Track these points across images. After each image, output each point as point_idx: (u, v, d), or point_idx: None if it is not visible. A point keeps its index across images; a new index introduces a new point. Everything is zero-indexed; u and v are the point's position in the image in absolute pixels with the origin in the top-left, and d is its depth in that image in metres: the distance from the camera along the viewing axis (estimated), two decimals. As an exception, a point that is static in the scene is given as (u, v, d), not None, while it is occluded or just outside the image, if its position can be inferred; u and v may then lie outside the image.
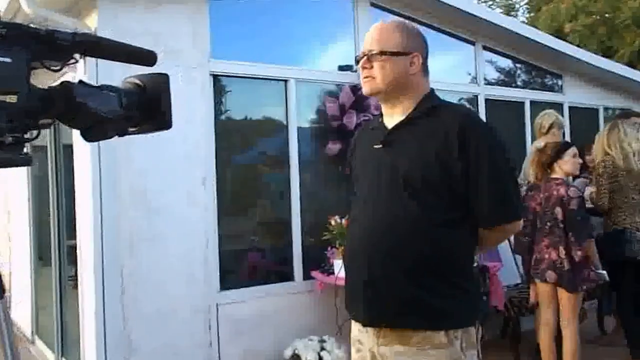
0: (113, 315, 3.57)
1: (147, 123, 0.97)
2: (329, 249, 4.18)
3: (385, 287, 1.77)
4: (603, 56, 8.26)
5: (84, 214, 3.74)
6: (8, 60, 0.75)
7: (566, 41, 7.82)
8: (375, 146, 1.89)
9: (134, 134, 0.98)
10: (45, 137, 4.70)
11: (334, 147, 4.45)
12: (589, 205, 4.18)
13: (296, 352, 3.92)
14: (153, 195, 3.72)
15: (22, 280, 5.75)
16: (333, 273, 4.02)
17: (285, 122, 4.40)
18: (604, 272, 3.78)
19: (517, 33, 5.66)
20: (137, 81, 0.96)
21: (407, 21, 2.04)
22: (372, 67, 1.84)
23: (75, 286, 4.01)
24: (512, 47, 5.89)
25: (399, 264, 1.75)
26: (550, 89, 6.52)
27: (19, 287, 6.01)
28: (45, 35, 0.81)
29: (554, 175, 3.77)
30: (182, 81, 3.82)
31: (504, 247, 4.82)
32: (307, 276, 4.33)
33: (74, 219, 3.92)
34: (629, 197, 4.13)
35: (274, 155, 4.52)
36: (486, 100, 5.63)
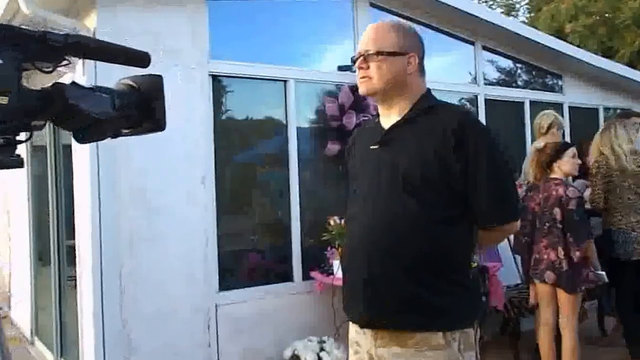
0: (112, 315, 3.57)
1: (141, 124, 0.96)
2: (328, 249, 4.18)
3: (384, 285, 1.77)
4: (603, 56, 8.26)
5: (82, 214, 3.74)
6: (-1, 61, 0.74)
7: (566, 41, 7.82)
8: (372, 147, 1.88)
9: (128, 135, 0.97)
10: (45, 137, 4.70)
11: (333, 147, 4.45)
12: (588, 206, 4.17)
13: (295, 352, 3.92)
14: (152, 194, 3.72)
15: (22, 281, 5.75)
16: (332, 273, 4.02)
17: (284, 122, 4.40)
18: (603, 272, 3.77)
19: (516, 33, 5.65)
20: (131, 82, 0.95)
21: (403, 21, 2.04)
22: (368, 67, 1.84)
23: (75, 286, 4.01)
24: (512, 47, 5.89)
25: (398, 261, 1.75)
26: (550, 89, 6.51)
27: (18, 288, 6.01)
28: (37, 36, 0.80)
29: (553, 176, 3.76)
30: (181, 80, 3.82)
31: (504, 248, 4.81)
32: (306, 276, 4.33)
33: (74, 219, 3.92)
34: (624, 198, 4.12)
35: (274, 156, 4.52)
36: (486, 100, 5.63)
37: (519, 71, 6.46)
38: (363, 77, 1.85)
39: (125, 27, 3.63)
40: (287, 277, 4.35)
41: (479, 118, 5.44)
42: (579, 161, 3.90)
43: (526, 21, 16.30)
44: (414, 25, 2.01)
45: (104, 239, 3.56)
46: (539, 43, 5.84)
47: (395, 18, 4.41)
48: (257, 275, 4.40)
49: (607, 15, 13.10)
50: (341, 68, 4.70)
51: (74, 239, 3.96)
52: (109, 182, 3.59)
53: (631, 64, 10.19)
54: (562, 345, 3.69)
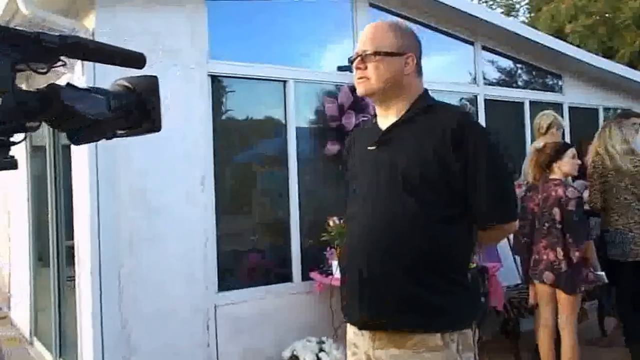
0: (111, 316, 3.57)
1: (137, 126, 0.96)
2: (327, 249, 4.18)
3: (384, 284, 1.76)
4: (603, 56, 8.26)
5: (82, 214, 3.73)
6: (-8, 62, 0.74)
7: (566, 41, 7.82)
8: (370, 147, 1.88)
9: (123, 136, 0.97)
10: (45, 137, 4.70)
11: (332, 147, 4.45)
12: (588, 207, 4.17)
13: (295, 353, 3.92)
14: (152, 195, 3.72)
15: (21, 281, 5.75)
16: (332, 274, 4.02)
17: (284, 123, 4.40)
18: (603, 273, 3.77)
19: (516, 33, 5.65)
20: (127, 83, 0.95)
21: (400, 21, 2.03)
22: (366, 67, 1.83)
23: (74, 287, 4.01)
24: (512, 47, 5.89)
25: (397, 261, 1.75)
26: (550, 89, 6.51)
27: (18, 288, 6.01)
28: (31, 37, 0.80)
29: (552, 176, 3.76)
30: (181, 81, 3.82)
31: (504, 248, 4.81)
32: (305, 277, 4.32)
33: (73, 219, 3.92)
34: (621, 198, 4.11)
35: (273, 156, 4.52)
36: (485, 100, 5.63)
37: (518, 71, 6.46)
38: (361, 78, 1.85)
39: (124, 28, 3.63)
40: (287, 277, 4.35)
41: (479, 118, 5.46)
42: (579, 161, 3.89)
43: (526, 21, 16.29)
44: (413, 25, 2.01)
45: (103, 240, 3.56)
46: (538, 43, 5.83)
47: (394, 18, 4.41)
48: (257, 276, 4.40)
49: (607, 15, 13.09)
50: (340, 68, 4.69)
51: (73, 239, 3.96)
52: (109, 182, 3.59)
53: (631, 64, 10.20)
54: (562, 346, 3.69)
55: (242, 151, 4.53)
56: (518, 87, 6.32)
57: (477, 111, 5.56)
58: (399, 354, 1.74)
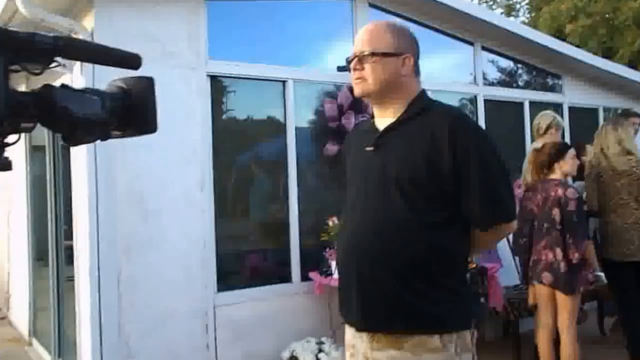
0: (109, 318, 3.56)
1: (132, 127, 0.95)
2: (327, 250, 4.17)
3: (375, 291, 1.75)
4: (603, 56, 8.25)
5: (80, 216, 3.73)
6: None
7: (566, 42, 7.81)
8: (367, 149, 1.87)
9: (119, 137, 0.97)
10: (44, 137, 4.70)
11: (332, 148, 4.44)
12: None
13: (294, 354, 3.92)
14: (150, 197, 3.71)
15: (21, 281, 5.75)
16: (331, 274, 4.01)
17: (283, 123, 4.40)
18: (602, 274, 3.76)
19: (515, 33, 5.65)
20: (122, 84, 0.95)
21: (398, 21, 2.02)
22: (363, 68, 1.82)
23: (74, 287, 4.00)
24: (512, 47, 5.88)
25: (389, 266, 1.73)
26: (550, 89, 6.50)
27: (17, 288, 6.01)
28: (25, 38, 0.80)
29: (552, 176, 3.75)
30: (179, 81, 3.82)
31: (504, 249, 4.80)
32: (305, 277, 4.32)
33: (72, 219, 3.92)
34: (616, 198, 4.11)
35: (272, 157, 4.51)
36: (485, 100, 5.62)
37: (518, 71, 6.45)
38: (358, 79, 1.84)
39: (123, 28, 3.63)
40: (286, 278, 4.34)
41: (478, 119, 5.45)
42: (578, 162, 3.90)
43: (526, 21, 16.29)
44: (413, 25, 2.00)
45: (101, 242, 3.56)
46: (538, 43, 5.83)
47: (393, 18, 4.40)
48: (256, 277, 4.40)
49: (607, 15, 13.09)
50: (340, 68, 4.67)
51: (72, 239, 3.95)
52: (107, 184, 3.58)
53: (631, 64, 10.19)
54: (561, 347, 3.68)
55: (241, 152, 4.52)
56: (518, 87, 6.32)
57: (476, 111, 5.55)
58: (397, 356, 1.73)
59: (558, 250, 3.57)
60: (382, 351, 1.76)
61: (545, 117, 4.63)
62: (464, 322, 1.78)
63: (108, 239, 3.57)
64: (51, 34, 0.84)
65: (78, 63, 3.50)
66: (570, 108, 6.39)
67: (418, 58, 1.88)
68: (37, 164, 5.15)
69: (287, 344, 3.98)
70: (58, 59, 0.86)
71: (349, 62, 1.86)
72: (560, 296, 3.65)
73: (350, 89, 4.34)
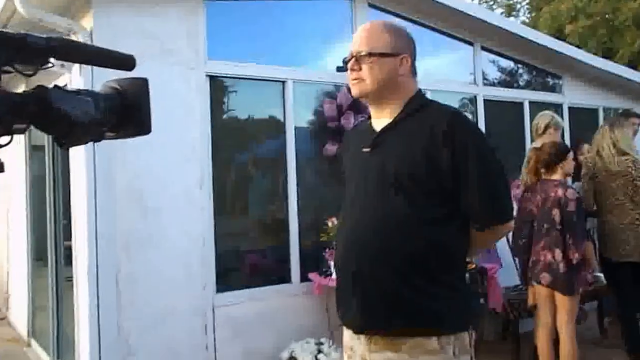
0: (108, 318, 3.55)
1: (126, 128, 0.95)
2: (326, 250, 4.17)
3: (375, 288, 1.75)
4: (603, 56, 8.24)
5: (79, 214, 3.72)
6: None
7: (566, 42, 7.80)
8: (365, 149, 1.87)
9: (113, 138, 0.96)
10: (44, 137, 4.69)
11: (331, 148, 4.44)
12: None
13: (293, 354, 3.91)
14: (149, 194, 3.71)
15: (20, 281, 5.74)
16: (330, 275, 4.01)
17: (282, 123, 4.39)
18: (601, 274, 3.76)
19: (515, 33, 5.64)
20: (116, 85, 0.94)
21: (395, 21, 2.02)
22: (360, 68, 1.82)
23: (73, 287, 4.00)
24: (511, 47, 5.87)
25: (388, 263, 1.73)
26: (550, 89, 6.50)
27: (16, 288, 6.00)
28: (17, 39, 0.79)
29: (553, 177, 3.75)
30: (178, 81, 3.81)
31: (504, 249, 4.79)
32: (304, 278, 4.31)
33: (71, 219, 3.91)
34: (612, 199, 4.11)
35: (272, 156, 4.51)
36: (485, 100, 5.61)
37: (518, 71, 6.44)
38: (355, 79, 1.83)
39: (121, 27, 3.62)
40: (285, 278, 4.34)
41: (478, 119, 5.44)
42: (574, 162, 3.91)
43: (526, 21, 16.28)
44: (412, 26, 1.99)
45: (100, 240, 3.55)
46: (538, 43, 5.82)
47: (393, 18, 4.40)
48: (255, 277, 4.39)
49: (607, 15, 13.09)
50: (339, 69, 4.66)
51: (71, 239, 3.95)
52: (106, 183, 3.58)
53: (631, 64, 10.18)
54: (560, 347, 3.67)
55: (240, 151, 4.52)
56: (518, 87, 6.31)
57: (476, 111, 5.54)
58: (394, 358, 1.73)
59: (557, 251, 3.56)
60: (379, 353, 1.75)
61: (543, 117, 4.62)
62: (462, 322, 1.78)
63: (107, 237, 3.56)
64: (44, 35, 0.83)
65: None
66: (570, 108, 6.38)
67: (415, 58, 1.88)
68: (37, 163, 5.14)
69: (287, 345, 3.98)
70: (52, 60, 0.85)
71: (346, 62, 1.86)
72: (559, 296, 3.64)
73: (349, 89, 4.37)
